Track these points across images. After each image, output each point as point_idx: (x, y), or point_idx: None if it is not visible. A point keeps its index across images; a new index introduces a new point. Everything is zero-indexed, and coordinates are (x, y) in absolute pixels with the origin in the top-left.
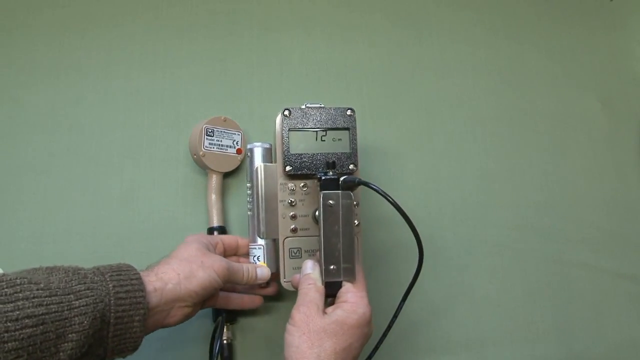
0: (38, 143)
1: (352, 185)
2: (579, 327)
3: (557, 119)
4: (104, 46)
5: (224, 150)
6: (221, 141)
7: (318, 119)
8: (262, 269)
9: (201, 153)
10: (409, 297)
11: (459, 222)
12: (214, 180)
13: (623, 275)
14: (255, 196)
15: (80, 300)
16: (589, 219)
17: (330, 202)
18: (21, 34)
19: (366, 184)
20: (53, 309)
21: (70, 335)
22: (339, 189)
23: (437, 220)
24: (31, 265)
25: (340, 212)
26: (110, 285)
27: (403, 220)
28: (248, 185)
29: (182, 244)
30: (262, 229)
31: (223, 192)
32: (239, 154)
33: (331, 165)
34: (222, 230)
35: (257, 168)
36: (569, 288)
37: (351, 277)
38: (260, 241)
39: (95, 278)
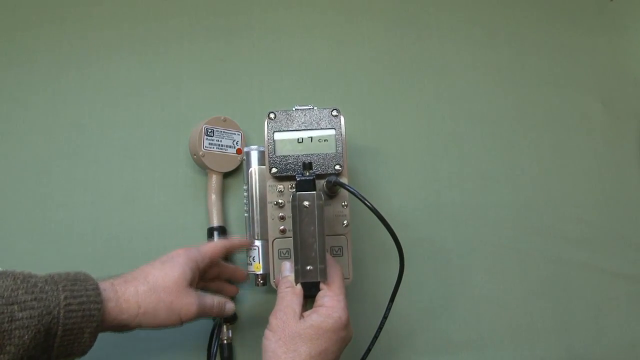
0: (38, 143)
1: (332, 185)
2: (579, 327)
3: (557, 119)
4: (104, 46)
5: (224, 151)
6: (221, 141)
7: (303, 121)
8: (230, 305)
9: (201, 153)
10: (409, 297)
11: (459, 222)
12: (214, 180)
13: (623, 275)
14: (250, 198)
15: (24, 312)
16: (589, 219)
17: (306, 203)
18: (21, 34)
19: (342, 185)
20: None
21: (7, 348)
22: (314, 190)
23: (437, 220)
24: (31, 266)
25: (316, 213)
26: (62, 296)
27: (404, 219)
28: (244, 187)
29: (169, 260)
30: (257, 230)
31: (223, 192)
32: (238, 154)
33: (307, 166)
34: (222, 230)
35: (251, 171)
36: (569, 288)
37: (325, 278)
38: (256, 242)
39: (46, 287)
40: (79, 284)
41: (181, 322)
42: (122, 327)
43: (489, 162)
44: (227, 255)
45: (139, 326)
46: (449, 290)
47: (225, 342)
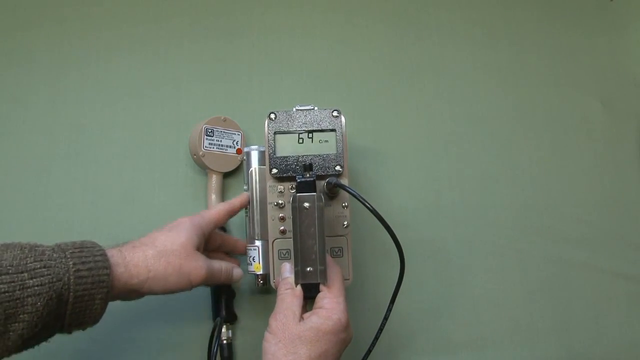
0: (38, 143)
1: (332, 187)
2: (579, 327)
3: (557, 119)
4: (104, 46)
5: (224, 151)
6: (221, 141)
7: (303, 121)
8: (237, 270)
9: (201, 153)
10: (409, 297)
11: (459, 222)
12: (214, 180)
13: (623, 275)
14: (250, 198)
15: (34, 280)
16: (589, 219)
17: (306, 204)
18: (21, 34)
19: (342, 187)
20: (3, 289)
21: (21, 316)
22: (315, 191)
23: (437, 220)
24: None
25: (316, 215)
26: (70, 263)
27: (404, 219)
28: (245, 187)
29: (174, 227)
30: (257, 230)
31: (223, 192)
32: (238, 154)
33: (308, 168)
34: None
35: (251, 171)
36: (569, 288)
37: (325, 280)
38: (257, 242)
39: (54, 255)
40: (87, 250)
41: (191, 286)
42: (132, 292)
43: (489, 162)
44: (230, 217)
45: (150, 291)
46: (449, 290)
47: (225, 342)
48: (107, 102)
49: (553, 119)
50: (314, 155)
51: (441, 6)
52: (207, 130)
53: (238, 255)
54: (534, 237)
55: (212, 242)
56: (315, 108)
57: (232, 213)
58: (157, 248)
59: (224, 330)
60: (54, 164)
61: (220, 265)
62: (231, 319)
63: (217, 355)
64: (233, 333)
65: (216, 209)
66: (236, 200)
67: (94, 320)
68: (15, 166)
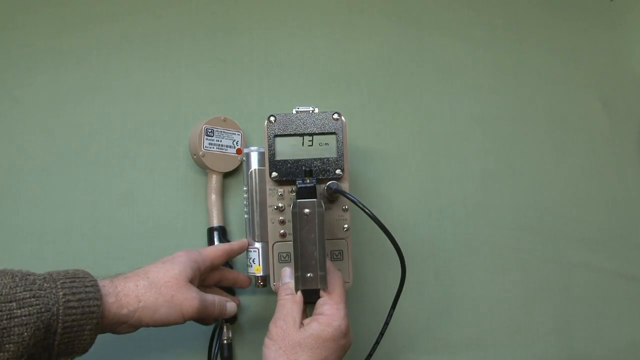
0: (38, 143)
1: (333, 192)
2: (579, 327)
3: (557, 119)
4: (104, 46)
5: (224, 151)
6: (221, 141)
7: (303, 124)
8: (231, 304)
9: (201, 153)
10: (409, 297)
11: (459, 222)
12: (214, 180)
13: (623, 275)
14: (250, 200)
15: (23, 309)
16: (589, 219)
17: (307, 211)
18: (21, 34)
19: (343, 194)
20: None
21: (7, 346)
22: (315, 197)
23: (437, 220)
24: (31, 266)
25: (316, 220)
26: (60, 293)
27: (404, 220)
28: (244, 189)
29: (169, 260)
30: (257, 232)
31: (223, 192)
32: (238, 154)
33: (308, 173)
34: (223, 230)
35: (251, 172)
36: (569, 288)
37: (325, 285)
38: (256, 244)
39: (45, 285)
40: (78, 281)
41: (184, 319)
42: (123, 324)
43: (489, 162)
44: (227, 260)
45: (141, 323)
46: (449, 290)
47: (225, 342)
48: (107, 101)
49: (553, 119)
50: (314, 159)
51: (441, 6)
52: (207, 130)
53: (239, 288)
54: (534, 237)
55: (209, 279)
56: (316, 110)
57: (230, 255)
58: (149, 279)
59: (224, 330)
60: (53, 164)
61: (214, 299)
62: (231, 320)
63: (218, 355)
64: (233, 333)
65: (215, 247)
66: (235, 244)
67: (83, 350)
68: (15, 166)
